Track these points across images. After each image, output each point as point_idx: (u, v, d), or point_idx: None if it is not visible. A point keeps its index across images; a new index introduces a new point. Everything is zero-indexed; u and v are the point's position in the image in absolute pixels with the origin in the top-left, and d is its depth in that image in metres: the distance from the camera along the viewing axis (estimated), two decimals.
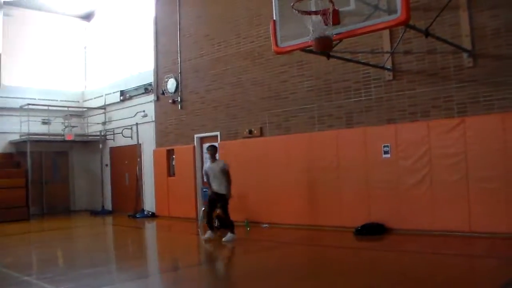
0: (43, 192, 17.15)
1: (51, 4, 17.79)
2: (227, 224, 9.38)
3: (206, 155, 10.75)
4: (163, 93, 14.36)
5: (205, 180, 10.42)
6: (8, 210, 14.42)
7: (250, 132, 11.86)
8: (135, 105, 15.78)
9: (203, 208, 11.57)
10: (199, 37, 13.47)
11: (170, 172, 14.05)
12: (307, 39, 6.83)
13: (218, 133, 12.73)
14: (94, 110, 17.72)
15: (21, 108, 16.01)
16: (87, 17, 19.06)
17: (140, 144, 15.37)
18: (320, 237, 9.53)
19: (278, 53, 7.91)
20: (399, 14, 6.10)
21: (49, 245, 10.42)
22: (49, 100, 16.74)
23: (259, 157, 11.33)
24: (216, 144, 10.56)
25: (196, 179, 13.11)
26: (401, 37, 8.80)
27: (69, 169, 18.11)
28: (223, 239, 9.16)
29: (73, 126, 17.17)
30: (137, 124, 15.39)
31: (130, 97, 16.17)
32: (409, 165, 8.88)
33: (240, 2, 12.26)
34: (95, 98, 17.91)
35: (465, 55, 8.42)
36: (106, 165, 17.07)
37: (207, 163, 9.79)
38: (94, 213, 16.33)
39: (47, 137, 16.30)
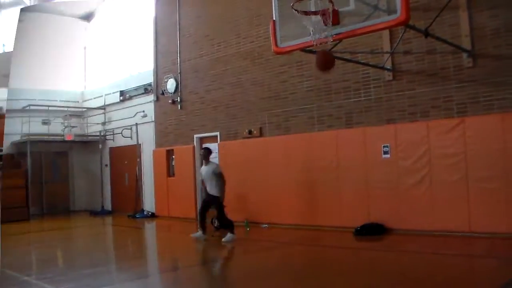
0: (43, 192, 17.12)
1: (51, 4, 17.80)
2: (226, 225, 9.39)
3: None
4: (162, 93, 14.35)
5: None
6: (8, 210, 14.39)
7: (250, 132, 11.85)
8: (135, 105, 15.76)
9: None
10: (198, 37, 13.47)
11: (170, 172, 14.04)
12: (307, 39, 6.83)
13: (217, 133, 12.73)
14: (94, 110, 17.71)
15: (22, 110, 16.02)
16: (87, 17, 19.05)
17: (140, 144, 15.36)
18: (319, 237, 9.53)
19: (277, 53, 7.92)
20: (399, 14, 6.11)
21: (49, 245, 10.43)
22: (49, 100, 16.73)
23: (258, 157, 11.32)
24: (209, 146, 10.46)
25: (196, 179, 13.07)
26: (401, 37, 8.80)
27: (68, 169, 18.09)
28: (223, 239, 9.16)
29: (73, 126, 17.12)
30: (136, 124, 15.37)
31: (130, 97, 16.15)
32: (409, 165, 8.88)
33: (240, 2, 12.26)
34: (94, 98, 17.88)
35: (464, 55, 8.42)
36: (106, 165, 17.06)
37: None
38: (93, 213, 16.31)
39: (47, 137, 16.30)
